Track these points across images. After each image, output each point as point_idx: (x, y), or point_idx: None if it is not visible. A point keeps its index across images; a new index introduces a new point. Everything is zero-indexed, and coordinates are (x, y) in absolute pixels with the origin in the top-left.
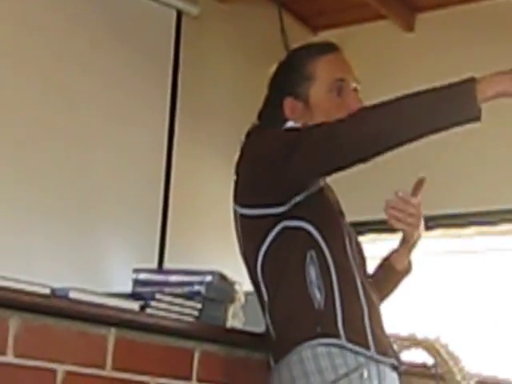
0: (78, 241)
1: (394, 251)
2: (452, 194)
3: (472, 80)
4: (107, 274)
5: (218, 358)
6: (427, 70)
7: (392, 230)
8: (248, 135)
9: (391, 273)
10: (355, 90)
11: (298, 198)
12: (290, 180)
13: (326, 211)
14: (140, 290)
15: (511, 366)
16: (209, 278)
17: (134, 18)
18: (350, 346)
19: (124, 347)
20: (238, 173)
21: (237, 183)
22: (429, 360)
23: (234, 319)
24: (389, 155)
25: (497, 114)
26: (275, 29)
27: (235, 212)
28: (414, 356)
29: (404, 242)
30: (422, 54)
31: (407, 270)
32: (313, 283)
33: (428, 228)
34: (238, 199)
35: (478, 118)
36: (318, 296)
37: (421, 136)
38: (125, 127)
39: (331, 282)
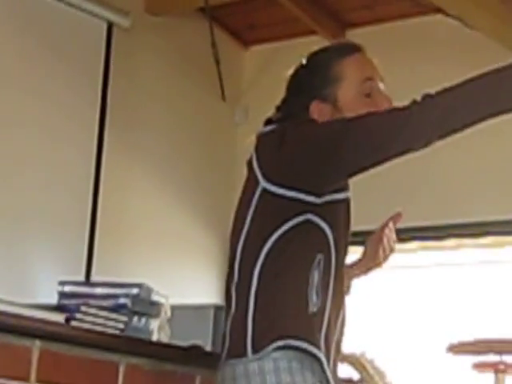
0: (5, 253)
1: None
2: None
3: None
4: (33, 286)
5: (144, 372)
6: None
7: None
8: (267, 122)
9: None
10: (381, 83)
11: (331, 197)
12: (337, 170)
13: (343, 222)
14: (66, 302)
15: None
16: (135, 291)
17: (64, 29)
18: (323, 359)
19: (49, 360)
20: (261, 152)
21: (263, 160)
22: (355, 375)
23: (160, 332)
24: None
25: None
26: (206, 42)
27: (257, 185)
28: (340, 371)
29: (361, 265)
30: None
31: (346, 292)
32: (313, 286)
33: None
34: (268, 175)
35: None
36: (314, 300)
37: (490, 116)
38: (53, 141)
39: (327, 291)
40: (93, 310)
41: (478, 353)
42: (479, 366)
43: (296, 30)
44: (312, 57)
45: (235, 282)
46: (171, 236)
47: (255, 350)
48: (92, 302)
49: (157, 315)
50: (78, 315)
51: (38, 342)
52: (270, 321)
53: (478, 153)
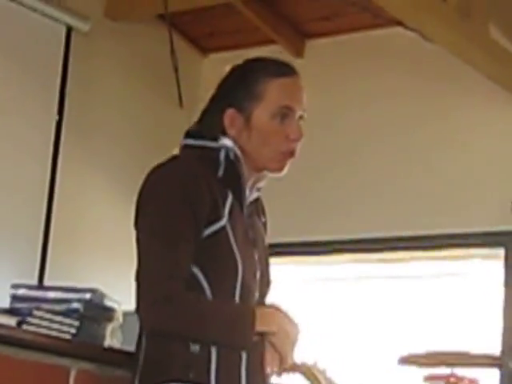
0: None
1: None
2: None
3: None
4: None
5: (95, 377)
6: (315, 95)
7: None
8: (186, 135)
9: None
10: (301, 117)
11: None
12: None
13: (225, 245)
14: (18, 305)
15: None
16: (88, 296)
17: (22, 32)
18: None
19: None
20: None
21: None
22: None
23: (113, 338)
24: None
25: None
26: (165, 49)
27: None
28: (292, 380)
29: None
30: (311, 80)
31: None
32: None
33: (300, 254)
34: None
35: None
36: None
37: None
38: (8, 145)
39: None
40: (45, 314)
41: (430, 365)
42: (430, 379)
43: (255, 39)
44: (248, 65)
45: None
46: (125, 243)
47: None
48: (44, 306)
49: (109, 321)
50: (30, 319)
51: None
52: (155, 365)
53: (435, 168)
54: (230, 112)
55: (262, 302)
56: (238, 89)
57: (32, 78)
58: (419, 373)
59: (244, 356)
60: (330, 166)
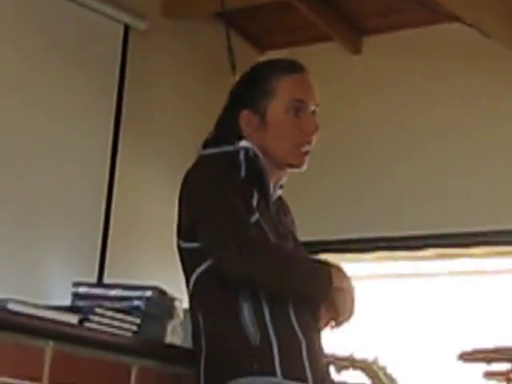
0: (19, 254)
1: None
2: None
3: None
4: (47, 287)
5: (156, 374)
6: (373, 91)
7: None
8: (204, 145)
9: None
10: (313, 112)
11: None
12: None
13: (261, 235)
14: (79, 303)
15: None
16: (148, 294)
17: (80, 31)
18: (286, 382)
19: (61, 360)
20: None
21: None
22: (366, 381)
23: (173, 335)
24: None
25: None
26: (222, 46)
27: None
28: (351, 377)
29: None
30: (369, 76)
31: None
32: (246, 318)
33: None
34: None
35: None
36: (252, 332)
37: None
38: (67, 145)
39: (264, 317)
40: (106, 312)
41: (490, 361)
42: (490, 374)
43: (312, 36)
44: (255, 67)
45: None
46: None
47: None
48: (106, 303)
49: (170, 318)
50: (92, 316)
51: (51, 343)
52: (220, 364)
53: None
54: (244, 113)
55: None
56: (249, 90)
57: (91, 76)
58: (479, 369)
59: (303, 344)
60: (391, 161)
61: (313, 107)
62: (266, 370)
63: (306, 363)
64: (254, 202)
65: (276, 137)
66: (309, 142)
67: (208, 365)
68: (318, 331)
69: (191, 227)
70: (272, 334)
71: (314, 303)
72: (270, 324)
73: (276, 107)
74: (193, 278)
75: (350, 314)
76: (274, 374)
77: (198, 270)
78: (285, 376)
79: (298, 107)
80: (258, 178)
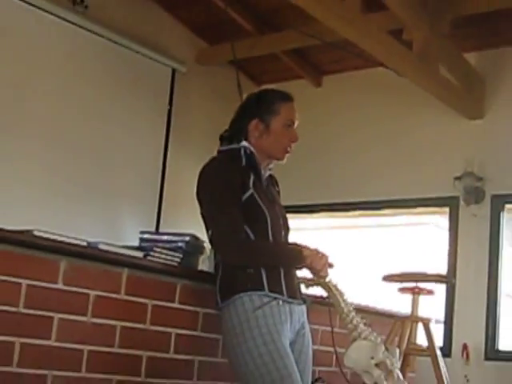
0: (104, 212)
1: None
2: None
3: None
4: (123, 234)
5: (191, 289)
6: (330, 113)
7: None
8: (220, 139)
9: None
10: (295, 127)
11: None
12: None
13: (255, 205)
14: (144, 244)
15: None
16: (187, 238)
17: (143, 72)
18: (270, 293)
19: (133, 280)
20: None
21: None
22: (324, 293)
23: (203, 265)
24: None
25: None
26: (233, 81)
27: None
28: (315, 291)
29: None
30: (327, 104)
31: None
32: None
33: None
34: None
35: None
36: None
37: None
38: (139, 145)
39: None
40: (161, 250)
41: (402, 281)
42: (402, 290)
43: (290, 75)
44: (263, 92)
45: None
46: None
47: None
48: (160, 244)
49: (201, 254)
50: (152, 253)
51: (126, 270)
52: (228, 284)
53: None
54: (255, 121)
55: (286, 239)
56: (260, 107)
57: (150, 102)
58: (395, 286)
59: (282, 272)
60: (340, 155)
61: (296, 124)
62: (257, 288)
63: (283, 283)
64: (251, 181)
65: (274, 141)
66: (291, 147)
67: (221, 284)
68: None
69: (201, 212)
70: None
71: (293, 266)
72: None
73: (277, 122)
74: (209, 232)
75: (325, 271)
76: (263, 289)
77: (210, 232)
78: (269, 291)
79: (290, 124)
80: (253, 165)
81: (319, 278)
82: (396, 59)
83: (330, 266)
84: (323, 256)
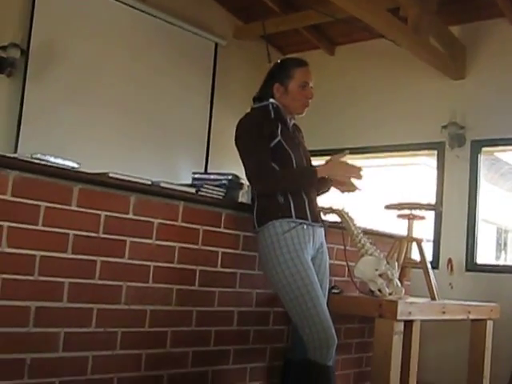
0: (163, 156)
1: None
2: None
3: (315, 171)
4: (179, 174)
5: (234, 217)
6: (342, 76)
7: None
8: (253, 99)
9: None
10: (311, 87)
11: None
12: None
13: (282, 149)
14: (195, 182)
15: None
16: (230, 177)
17: (192, 46)
18: (296, 220)
19: (187, 211)
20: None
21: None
22: (338, 219)
23: (243, 198)
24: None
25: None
26: (263, 52)
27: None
28: (331, 218)
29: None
30: (339, 68)
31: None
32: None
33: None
34: None
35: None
36: (280, 196)
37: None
38: (192, 106)
39: (286, 191)
40: (209, 187)
41: (400, 209)
42: (400, 216)
43: (309, 47)
44: (283, 60)
45: None
46: None
47: None
48: (208, 182)
49: (241, 189)
50: (202, 189)
51: (182, 202)
52: (263, 212)
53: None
54: (276, 85)
55: None
56: (280, 73)
57: (196, 75)
58: (394, 213)
59: (306, 202)
60: (344, 109)
61: (311, 84)
62: (286, 215)
63: (308, 211)
64: (279, 130)
65: (292, 99)
66: (308, 103)
67: (257, 213)
68: (316, 195)
69: (240, 155)
70: (290, 197)
71: (309, 187)
72: (289, 193)
73: (294, 84)
74: (245, 170)
75: (349, 184)
76: (291, 216)
77: (246, 170)
78: (296, 217)
79: (304, 85)
80: (280, 117)
81: (349, 188)
82: (394, 32)
83: (359, 177)
84: (348, 168)
